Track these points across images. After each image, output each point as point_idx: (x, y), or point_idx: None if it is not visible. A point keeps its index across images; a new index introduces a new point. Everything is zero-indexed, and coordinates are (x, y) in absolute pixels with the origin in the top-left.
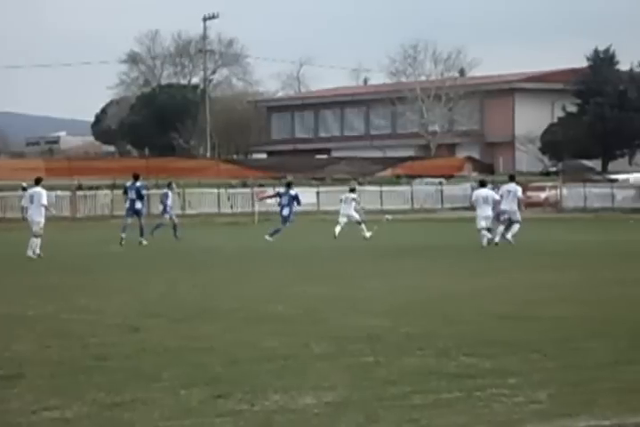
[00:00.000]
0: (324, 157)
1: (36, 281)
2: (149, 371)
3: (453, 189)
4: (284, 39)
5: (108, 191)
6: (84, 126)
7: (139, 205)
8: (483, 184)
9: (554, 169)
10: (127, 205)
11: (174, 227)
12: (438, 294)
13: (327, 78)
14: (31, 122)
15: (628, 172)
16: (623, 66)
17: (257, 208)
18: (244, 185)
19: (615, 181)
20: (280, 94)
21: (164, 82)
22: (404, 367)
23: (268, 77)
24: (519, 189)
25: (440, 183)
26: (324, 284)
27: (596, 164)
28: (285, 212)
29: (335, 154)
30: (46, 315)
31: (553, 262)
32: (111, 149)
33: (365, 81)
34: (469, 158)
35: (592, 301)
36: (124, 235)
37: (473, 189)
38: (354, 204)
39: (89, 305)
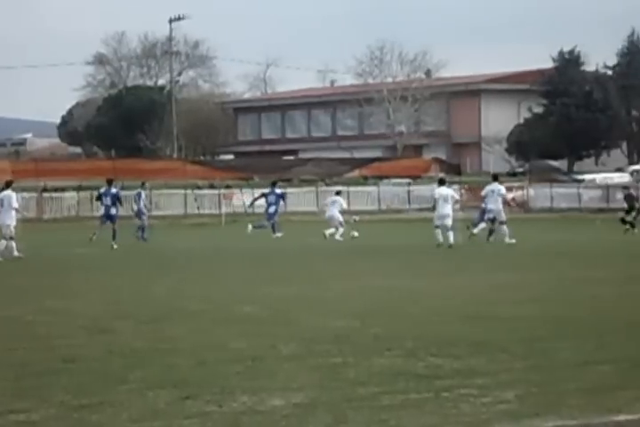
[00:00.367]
0: (292, 158)
1: (1, 282)
2: (117, 373)
3: (421, 190)
4: (251, 40)
5: (74, 193)
6: (50, 128)
7: (113, 211)
8: (442, 182)
9: (520, 170)
10: (102, 211)
11: (142, 228)
12: (406, 294)
13: (294, 80)
14: None
15: (594, 172)
16: (589, 66)
17: (224, 209)
18: (211, 186)
19: (581, 181)
20: (247, 96)
21: (130, 83)
22: (372, 368)
23: (234, 79)
24: (503, 189)
25: (408, 184)
26: (293, 284)
27: (562, 164)
28: (272, 209)
29: (302, 155)
30: (12, 317)
31: (520, 262)
32: (78, 150)
33: (332, 82)
34: (436, 159)
35: (559, 301)
36: (96, 233)
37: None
38: (338, 205)
39: (56, 307)
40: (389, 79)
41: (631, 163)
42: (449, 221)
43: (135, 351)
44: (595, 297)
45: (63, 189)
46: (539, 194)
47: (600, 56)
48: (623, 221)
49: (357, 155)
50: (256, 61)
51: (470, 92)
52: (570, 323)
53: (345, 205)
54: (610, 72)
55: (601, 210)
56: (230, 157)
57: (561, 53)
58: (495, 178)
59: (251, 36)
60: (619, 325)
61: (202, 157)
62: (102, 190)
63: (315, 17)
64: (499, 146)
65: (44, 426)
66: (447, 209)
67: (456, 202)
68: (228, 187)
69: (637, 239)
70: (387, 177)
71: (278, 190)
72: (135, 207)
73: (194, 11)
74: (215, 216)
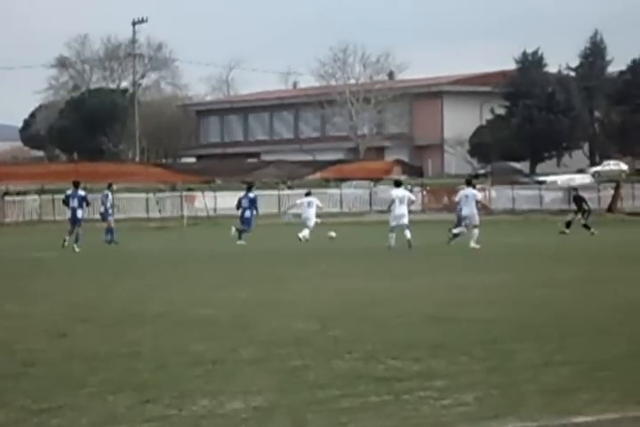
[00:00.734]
0: (255, 160)
1: None
2: (77, 376)
3: (383, 192)
4: (214, 43)
5: (36, 196)
6: (12, 131)
7: (80, 213)
8: (398, 184)
9: (482, 171)
10: (69, 214)
11: (111, 231)
12: (366, 296)
13: (256, 82)
14: None
15: (556, 173)
16: (551, 68)
17: (186, 212)
18: (173, 189)
19: (543, 183)
20: (209, 98)
21: (93, 86)
22: (332, 371)
23: (197, 81)
24: (477, 194)
25: (370, 186)
26: (253, 287)
27: (524, 166)
28: (247, 214)
29: (265, 157)
30: None
31: (481, 264)
32: (40, 154)
33: (295, 84)
34: (398, 161)
35: (519, 303)
36: (67, 238)
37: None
38: (315, 206)
39: (16, 311)
40: (352, 81)
41: (593, 164)
42: (405, 220)
43: (96, 355)
44: (555, 299)
45: (25, 193)
46: (500, 196)
47: (562, 58)
48: (585, 226)
49: (320, 157)
50: (219, 64)
51: (433, 94)
52: (530, 325)
53: (321, 204)
54: (572, 73)
55: (563, 211)
56: (192, 159)
57: (524, 55)
58: (469, 183)
59: (213, 39)
60: (578, 327)
61: (164, 160)
62: (69, 192)
63: (278, 19)
64: (461, 148)
65: None
66: (403, 209)
67: (412, 203)
68: (190, 189)
69: (596, 240)
70: (348, 179)
71: (252, 194)
72: (102, 209)
73: (157, 13)
74: (177, 219)
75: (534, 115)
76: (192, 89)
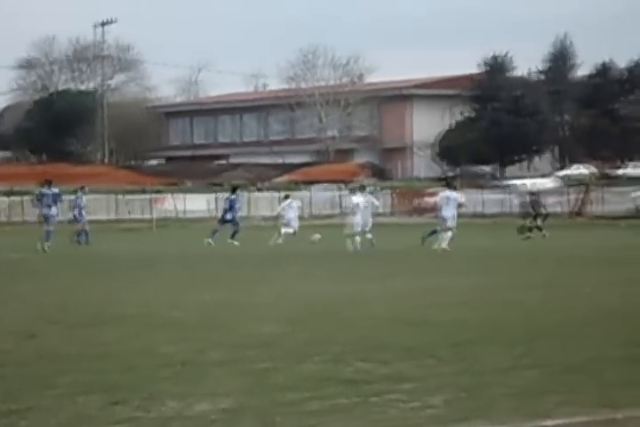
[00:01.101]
0: (223, 162)
1: None
2: (46, 378)
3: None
4: (182, 44)
5: (4, 197)
6: None
7: (53, 211)
8: (362, 189)
9: (451, 175)
10: (43, 211)
11: (86, 233)
12: (336, 299)
13: (225, 84)
14: None
15: (525, 177)
16: (519, 71)
17: (154, 214)
18: (142, 191)
19: (510, 186)
20: (177, 100)
21: (61, 87)
22: (300, 373)
23: (165, 83)
24: (458, 196)
25: (339, 189)
26: (222, 290)
27: (493, 169)
28: (229, 216)
29: (234, 160)
30: None
31: (450, 267)
32: (8, 154)
33: (264, 86)
34: (367, 164)
35: (489, 305)
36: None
37: (372, 193)
38: (296, 208)
39: None
40: (321, 83)
41: (562, 167)
42: (369, 225)
43: (64, 356)
44: (523, 302)
45: None
46: (469, 199)
47: (530, 61)
48: (538, 227)
49: (288, 159)
50: (187, 65)
51: (400, 97)
52: (498, 328)
53: (300, 204)
54: (541, 77)
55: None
56: (161, 161)
57: (493, 58)
58: (449, 184)
59: (181, 40)
60: (547, 329)
61: (132, 162)
62: (43, 190)
63: (247, 21)
64: (429, 151)
65: None
66: (367, 214)
67: (376, 207)
68: (158, 191)
69: (567, 244)
70: (317, 182)
71: (233, 196)
72: (76, 211)
73: (125, 14)
74: (146, 221)
75: (502, 118)
76: (160, 91)
